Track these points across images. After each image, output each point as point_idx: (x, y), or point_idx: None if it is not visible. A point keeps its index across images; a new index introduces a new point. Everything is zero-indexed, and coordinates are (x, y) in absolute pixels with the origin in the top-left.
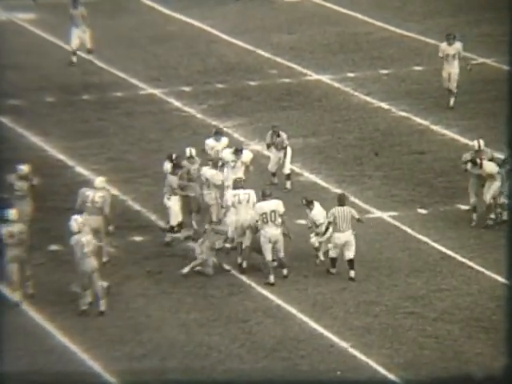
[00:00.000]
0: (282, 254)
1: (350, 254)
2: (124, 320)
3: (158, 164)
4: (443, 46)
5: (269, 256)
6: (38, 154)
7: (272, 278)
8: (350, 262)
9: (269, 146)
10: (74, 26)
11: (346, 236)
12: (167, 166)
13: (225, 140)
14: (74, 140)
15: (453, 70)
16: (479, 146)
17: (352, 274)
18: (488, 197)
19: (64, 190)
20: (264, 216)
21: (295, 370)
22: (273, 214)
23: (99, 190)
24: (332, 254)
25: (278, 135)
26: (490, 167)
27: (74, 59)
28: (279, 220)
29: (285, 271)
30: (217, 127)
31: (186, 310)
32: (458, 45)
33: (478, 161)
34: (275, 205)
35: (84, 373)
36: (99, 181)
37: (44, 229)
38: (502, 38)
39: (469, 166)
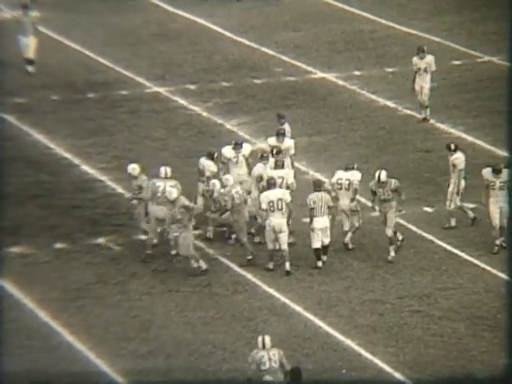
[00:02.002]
0: (284, 246)
1: (326, 240)
2: (129, 318)
3: (163, 162)
4: (415, 59)
5: (271, 245)
6: (43, 152)
7: (271, 265)
8: (325, 248)
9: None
10: (21, 34)
11: (325, 220)
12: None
13: (289, 141)
14: (79, 138)
15: (424, 84)
16: (379, 179)
17: (324, 259)
18: (505, 221)
19: (69, 188)
20: (271, 205)
21: (300, 368)
22: (279, 202)
23: (169, 179)
24: (316, 244)
25: (282, 124)
26: (508, 175)
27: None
28: (285, 209)
29: (287, 265)
30: (278, 129)
31: (191, 309)
32: (429, 58)
33: (499, 167)
34: (281, 193)
35: (89, 371)
36: (168, 171)
37: (50, 227)
38: (507, 36)
39: (489, 172)
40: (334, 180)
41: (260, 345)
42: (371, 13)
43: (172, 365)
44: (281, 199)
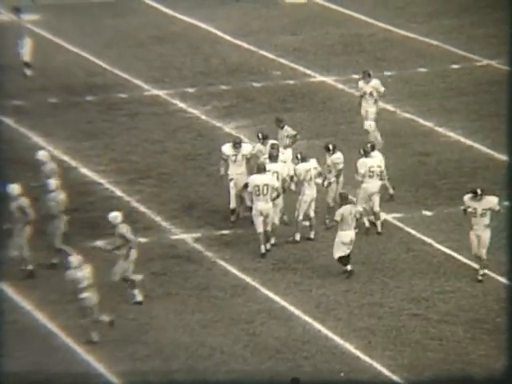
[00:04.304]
0: (269, 228)
1: (347, 251)
2: (128, 321)
3: (162, 165)
4: (360, 83)
5: (260, 228)
6: None
7: (263, 248)
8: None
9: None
10: (18, 37)
11: (352, 233)
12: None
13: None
14: (77, 141)
15: (369, 108)
16: None
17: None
18: (483, 251)
19: (67, 191)
20: (256, 189)
21: (299, 371)
22: (265, 187)
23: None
24: (341, 253)
25: (282, 127)
26: (491, 203)
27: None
28: (271, 194)
29: (266, 246)
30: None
31: (189, 311)
32: (374, 82)
33: (479, 192)
34: (268, 179)
35: (87, 373)
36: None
37: None
38: (506, 40)
39: (469, 198)
40: (363, 171)
41: (72, 265)
42: (369, 16)
43: (170, 367)
44: (267, 185)
